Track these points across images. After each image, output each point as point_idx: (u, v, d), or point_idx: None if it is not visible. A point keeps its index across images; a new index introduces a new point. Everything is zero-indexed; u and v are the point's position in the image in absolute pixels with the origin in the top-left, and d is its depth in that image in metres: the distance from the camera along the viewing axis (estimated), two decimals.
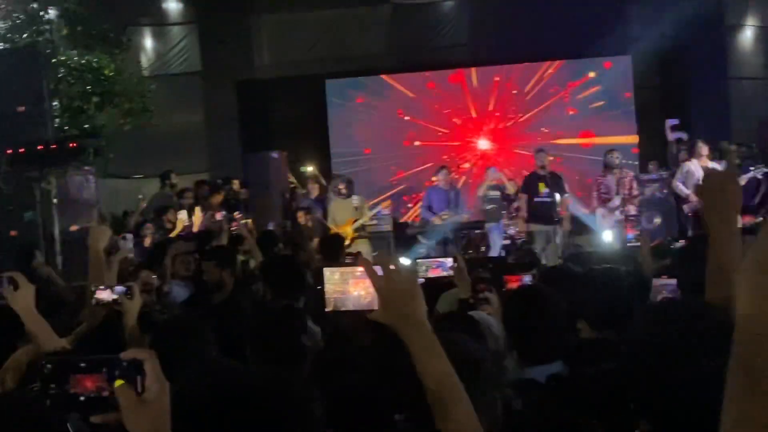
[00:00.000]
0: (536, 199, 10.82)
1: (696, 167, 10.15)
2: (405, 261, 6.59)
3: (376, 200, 13.15)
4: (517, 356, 3.06)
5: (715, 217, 2.11)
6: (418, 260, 5.78)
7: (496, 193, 11.80)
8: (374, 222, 12.19)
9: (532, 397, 2.55)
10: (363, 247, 11.41)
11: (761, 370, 1.16)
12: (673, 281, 3.08)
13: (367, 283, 1.80)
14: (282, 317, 3.30)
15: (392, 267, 1.76)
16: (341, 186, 11.55)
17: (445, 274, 5.30)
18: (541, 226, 10.66)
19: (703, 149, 10.30)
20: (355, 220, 11.37)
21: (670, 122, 12.03)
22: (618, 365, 1.91)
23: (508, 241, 12.04)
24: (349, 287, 2.00)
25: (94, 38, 12.04)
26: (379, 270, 1.75)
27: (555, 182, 10.86)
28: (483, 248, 12.52)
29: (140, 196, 11.24)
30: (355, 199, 11.55)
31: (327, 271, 2.02)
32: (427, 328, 1.74)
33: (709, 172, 2.20)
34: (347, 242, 11.11)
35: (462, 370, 1.75)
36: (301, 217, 11.17)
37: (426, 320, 1.75)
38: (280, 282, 4.47)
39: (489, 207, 11.80)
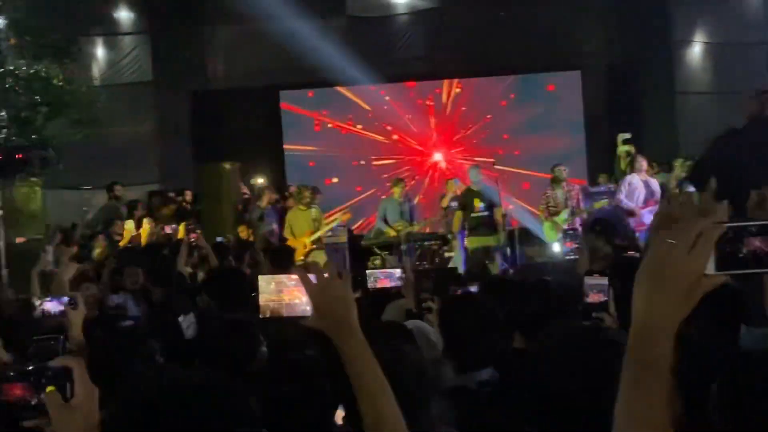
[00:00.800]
0: (473, 215, 10.99)
1: (637, 181, 10.34)
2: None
3: (332, 212, 13.10)
4: (451, 363, 3.09)
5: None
6: (367, 271, 5.80)
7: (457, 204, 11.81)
8: (329, 233, 12.19)
9: (462, 403, 2.58)
10: (319, 258, 11.43)
11: (654, 369, 1.27)
12: (605, 280, 3.11)
13: (302, 291, 1.85)
14: (237, 331, 3.30)
15: (326, 275, 1.82)
16: (306, 194, 11.53)
17: (393, 284, 5.34)
18: (481, 238, 10.80)
19: (643, 163, 10.49)
20: (313, 232, 11.37)
21: (623, 136, 12.20)
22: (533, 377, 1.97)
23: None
24: (284, 295, 2.04)
25: (44, 48, 11.88)
26: (313, 278, 1.81)
27: (489, 196, 11.03)
28: (437, 260, 12.58)
29: (85, 209, 11.10)
30: (314, 211, 11.55)
31: (261, 280, 2.04)
32: (359, 334, 1.80)
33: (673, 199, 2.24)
34: (304, 253, 11.14)
35: (399, 377, 1.83)
36: (243, 231, 11.11)
37: (358, 326, 1.81)
38: (225, 294, 4.43)
39: (451, 218, 11.81)
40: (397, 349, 2.18)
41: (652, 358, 1.27)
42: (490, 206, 10.96)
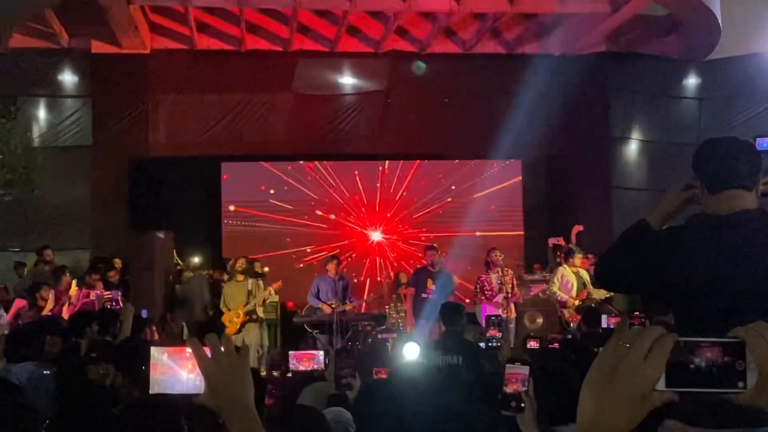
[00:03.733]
0: (423, 295, 10.90)
1: (568, 273, 10.48)
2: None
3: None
4: None
5: None
6: (290, 352, 5.66)
7: None
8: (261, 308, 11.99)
9: None
10: (253, 331, 11.27)
11: None
12: (526, 370, 3.06)
13: (196, 365, 1.73)
14: (154, 413, 3.13)
15: (222, 349, 1.69)
16: (239, 266, 11.38)
17: (315, 367, 5.21)
18: (423, 322, 10.67)
19: (577, 257, 10.64)
20: (247, 303, 11.19)
21: (576, 228, 12.33)
22: None
23: (395, 334, 12.04)
24: (178, 369, 1.89)
25: None
26: (208, 351, 1.68)
27: (444, 280, 10.97)
28: (370, 341, 12.44)
29: None
30: (250, 283, 11.40)
31: (154, 351, 1.90)
32: (253, 414, 1.67)
33: None
34: (237, 326, 10.94)
35: None
36: None
37: (253, 408, 1.68)
38: (133, 367, 4.25)
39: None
40: None
41: None
42: (443, 291, 10.86)
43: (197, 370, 1.73)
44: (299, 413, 3.09)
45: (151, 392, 1.93)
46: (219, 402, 1.67)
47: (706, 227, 2.59)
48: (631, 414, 1.18)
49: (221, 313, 11.17)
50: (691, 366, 1.16)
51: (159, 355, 1.90)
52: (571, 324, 10.10)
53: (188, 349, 1.80)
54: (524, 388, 3.00)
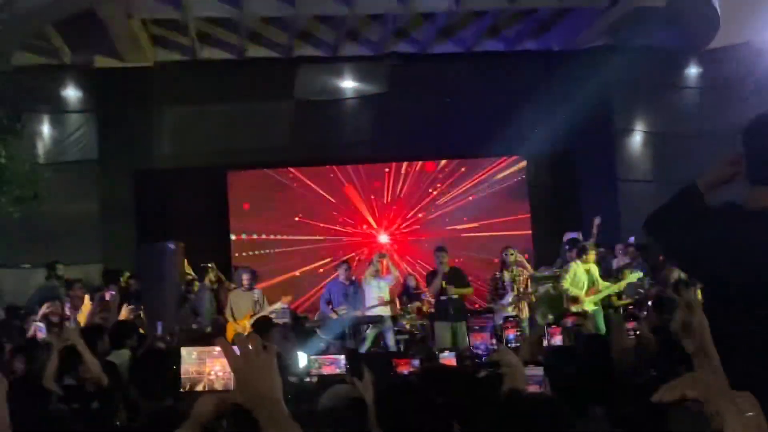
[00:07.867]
0: (442, 298, 10.89)
1: (580, 270, 10.47)
2: (303, 356, 6.46)
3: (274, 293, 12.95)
4: None
5: None
6: (312, 356, 5.67)
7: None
8: (273, 315, 12.00)
9: None
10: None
11: None
12: (540, 370, 3.08)
13: (225, 363, 1.76)
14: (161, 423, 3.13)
15: (250, 347, 1.73)
16: (245, 277, 11.40)
17: (338, 371, 5.22)
18: (445, 323, 10.63)
19: (591, 253, 10.65)
20: (254, 314, 11.19)
21: (597, 220, 12.29)
22: None
23: (407, 336, 12.08)
24: (206, 367, 1.94)
25: None
26: (236, 350, 1.72)
27: (456, 278, 10.94)
28: (382, 343, 12.48)
29: None
30: (256, 293, 11.41)
31: (184, 351, 1.95)
32: (283, 409, 1.71)
33: None
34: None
35: None
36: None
37: (282, 402, 1.72)
38: (149, 381, 4.20)
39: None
40: None
41: None
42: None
43: (227, 368, 1.76)
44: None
45: (182, 391, 1.97)
46: (249, 397, 1.70)
47: (741, 222, 2.33)
48: None
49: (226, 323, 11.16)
50: None
51: (188, 354, 1.94)
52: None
53: (217, 348, 1.83)
54: (541, 390, 3.02)
